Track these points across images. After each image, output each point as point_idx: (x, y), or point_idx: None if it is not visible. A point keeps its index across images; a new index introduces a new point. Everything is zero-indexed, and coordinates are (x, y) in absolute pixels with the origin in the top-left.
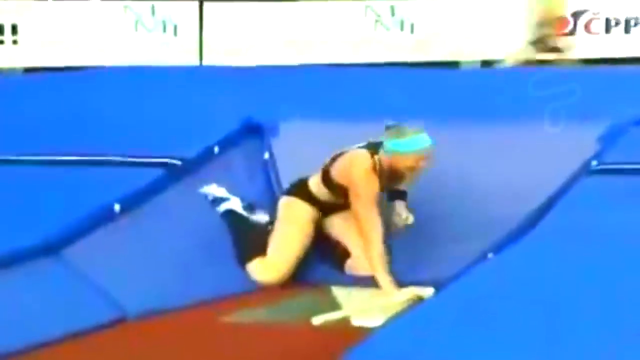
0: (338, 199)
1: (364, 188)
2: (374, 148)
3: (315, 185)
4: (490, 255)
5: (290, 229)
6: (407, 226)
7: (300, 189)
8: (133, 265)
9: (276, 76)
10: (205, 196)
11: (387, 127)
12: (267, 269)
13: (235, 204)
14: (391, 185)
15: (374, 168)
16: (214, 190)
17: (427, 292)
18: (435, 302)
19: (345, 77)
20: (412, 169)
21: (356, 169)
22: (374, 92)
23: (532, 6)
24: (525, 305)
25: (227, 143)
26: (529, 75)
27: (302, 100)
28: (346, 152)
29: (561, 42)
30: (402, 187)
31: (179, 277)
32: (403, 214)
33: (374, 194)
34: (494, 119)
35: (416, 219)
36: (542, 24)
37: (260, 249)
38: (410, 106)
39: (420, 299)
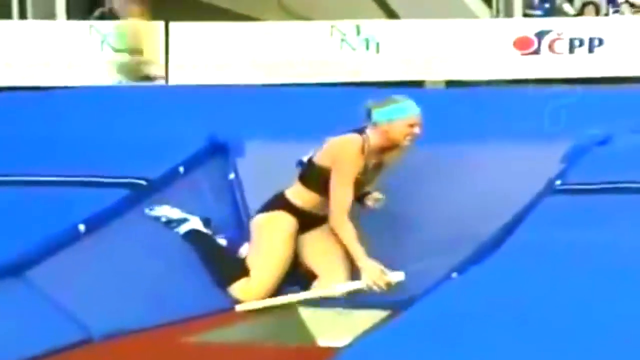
0: (319, 202)
1: (349, 165)
2: (359, 132)
3: (294, 193)
4: (454, 274)
5: (274, 244)
6: (379, 204)
7: (277, 202)
8: (99, 286)
9: (242, 96)
10: (158, 218)
11: (371, 104)
12: (255, 289)
13: (196, 223)
14: (382, 158)
15: (362, 149)
16: (166, 212)
17: (397, 276)
18: (400, 323)
19: (311, 97)
20: (407, 135)
21: (347, 147)
22: (340, 112)
23: (122, 34)
24: (490, 325)
25: (193, 163)
26: (494, 95)
27: (268, 120)
28: (332, 137)
29: (153, 70)
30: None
31: (145, 297)
32: (374, 195)
33: (354, 174)
34: (459, 139)
35: (380, 239)
36: (132, 51)
37: (240, 269)
38: None
39: (389, 286)
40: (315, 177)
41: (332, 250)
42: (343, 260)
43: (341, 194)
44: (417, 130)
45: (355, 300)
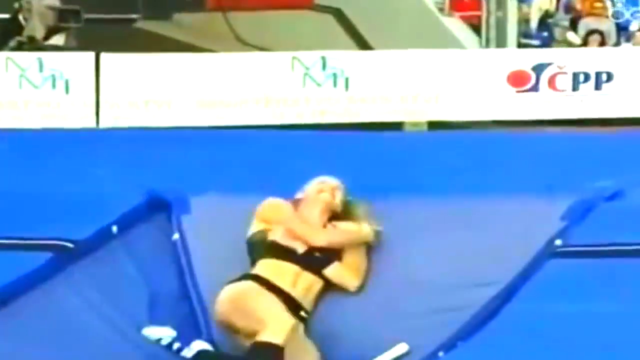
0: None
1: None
2: None
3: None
4: (440, 354)
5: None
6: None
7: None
8: None
9: (186, 141)
10: (158, 340)
11: None
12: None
13: (200, 344)
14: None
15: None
16: (166, 332)
17: (401, 349)
18: None
19: (268, 142)
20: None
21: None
22: (302, 160)
23: None
24: None
25: (128, 221)
26: (485, 140)
27: (216, 170)
28: None
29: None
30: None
31: None
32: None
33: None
34: (446, 191)
35: (355, 312)
36: None
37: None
38: (346, 177)
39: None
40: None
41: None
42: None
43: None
44: (332, 184)
45: None
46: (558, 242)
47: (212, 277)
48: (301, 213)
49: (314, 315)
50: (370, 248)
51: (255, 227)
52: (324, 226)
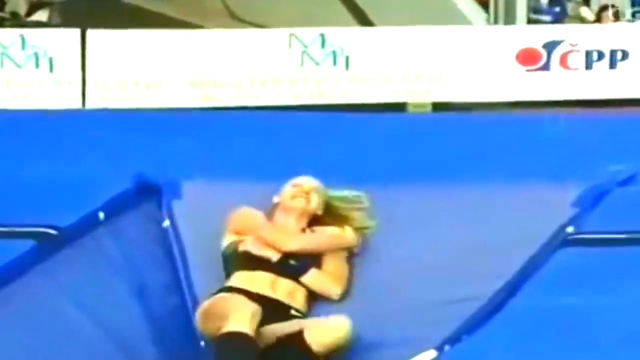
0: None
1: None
2: None
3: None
4: (446, 347)
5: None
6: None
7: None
8: None
9: (177, 123)
10: None
11: None
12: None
13: None
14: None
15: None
16: None
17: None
18: None
19: (264, 124)
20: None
21: None
22: (300, 143)
23: None
24: None
25: (116, 207)
26: (492, 122)
27: (209, 154)
28: None
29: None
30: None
31: None
32: None
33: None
34: (451, 177)
35: (355, 305)
36: None
37: None
38: (345, 161)
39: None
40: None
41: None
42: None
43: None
44: (304, 188)
45: None
46: (569, 229)
47: (204, 266)
48: (276, 221)
49: (313, 312)
50: (352, 255)
51: (227, 239)
52: (303, 232)
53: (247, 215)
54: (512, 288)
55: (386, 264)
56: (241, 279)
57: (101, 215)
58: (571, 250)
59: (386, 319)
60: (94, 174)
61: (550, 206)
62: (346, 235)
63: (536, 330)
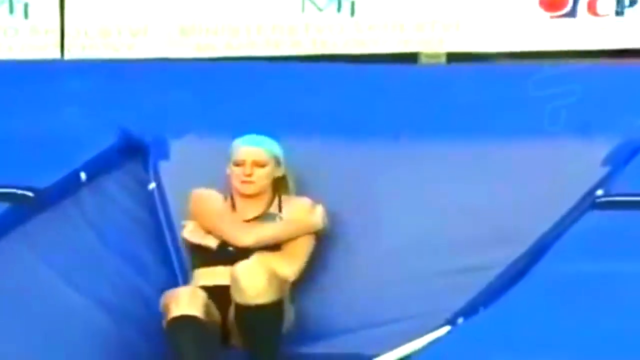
0: None
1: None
2: None
3: None
4: (460, 320)
5: None
6: None
7: None
8: None
9: (165, 75)
10: None
11: None
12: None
13: None
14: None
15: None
16: None
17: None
18: None
19: (260, 76)
20: (234, 176)
21: None
22: (300, 97)
23: None
24: None
25: (98, 167)
26: (513, 73)
27: (200, 108)
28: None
29: None
30: None
31: None
32: None
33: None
34: (468, 133)
35: (361, 277)
36: None
37: None
38: (351, 116)
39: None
40: None
41: None
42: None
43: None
44: (246, 170)
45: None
46: (599, 192)
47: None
48: (236, 205)
49: (319, 282)
50: (319, 237)
51: (188, 228)
52: (267, 209)
53: (200, 198)
54: (535, 254)
55: (391, 231)
56: (201, 276)
57: (82, 175)
58: (600, 213)
59: (392, 291)
60: (75, 131)
61: (577, 165)
62: (312, 220)
63: (560, 300)
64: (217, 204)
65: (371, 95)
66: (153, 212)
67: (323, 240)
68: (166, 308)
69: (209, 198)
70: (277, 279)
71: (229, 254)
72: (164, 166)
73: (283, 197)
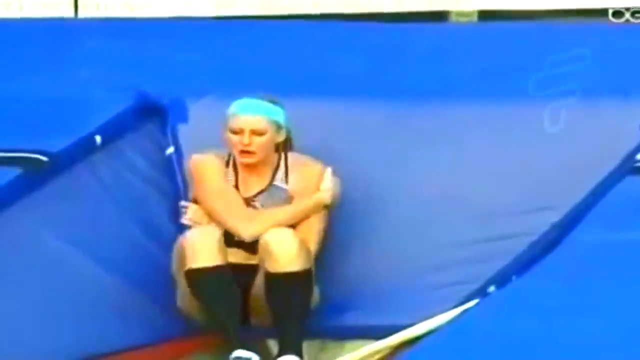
0: None
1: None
2: None
3: None
4: (491, 289)
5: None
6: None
7: None
8: None
9: (184, 34)
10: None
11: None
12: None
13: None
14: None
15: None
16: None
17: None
18: (425, 353)
19: (283, 35)
20: (233, 145)
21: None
22: (324, 57)
23: None
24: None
25: (114, 130)
26: (548, 32)
27: (219, 69)
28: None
29: None
30: None
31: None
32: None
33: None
34: (500, 95)
35: (385, 245)
36: None
37: None
38: (378, 77)
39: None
40: None
41: None
42: None
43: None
44: (245, 140)
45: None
46: (639, 156)
47: None
48: (240, 177)
49: (343, 253)
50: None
51: (188, 213)
52: (274, 175)
53: (203, 175)
54: (570, 222)
55: (422, 192)
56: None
57: (97, 139)
58: (638, 180)
59: (419, 259)
60: (90, 92)
61: (616, 128)
62: (321, 197)
63: (597, 269)
64: (217, 177)
65: (401, 55)
66: (171, 177)
67: (346, 206)
68: (188, 255)
69: (209, 169)
70: (306, 248)
71: (236, 241)
72: (182, 129)
73: (290, 160)
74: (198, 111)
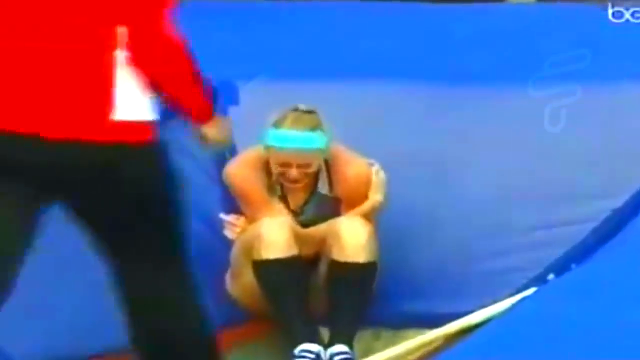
0: None
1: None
2: None
3: None
4: (551, 276)
5: None
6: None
7: None
8: None
9: (232, 15)
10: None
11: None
12: None
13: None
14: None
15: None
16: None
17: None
18: (481, 341)
19: (332, 16)
20: (278, 173)
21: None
22: (374, 38)
23: None
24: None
25: (163, 113)
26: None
27: (269, 50)
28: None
29: None
30: None
31: None
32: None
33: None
34: (558, 75)
35: (441, 230)
36: None
37: None
38: (433, 60)
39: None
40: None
41: None
42: None
43: None
44: (292, 173)
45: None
46: None
47: None
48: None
49: (406, 239)
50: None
51: (236, 226)
52: (314, 183)
53: (245, 191)
54: (632, 209)
55: (478, 176)
56: None
57: None
58: None
59: (478, 245)
60: None
61: None
62: (370, 206)
63: None
64: (259, 194)
65: (458, 36)
66: (221, 160)
67: (406, 190)
68: (262, 246)
69: (250, 187)
70: (374, 240)
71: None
72: (233, 112)
73: (331, 160)
74: (249, 93)
